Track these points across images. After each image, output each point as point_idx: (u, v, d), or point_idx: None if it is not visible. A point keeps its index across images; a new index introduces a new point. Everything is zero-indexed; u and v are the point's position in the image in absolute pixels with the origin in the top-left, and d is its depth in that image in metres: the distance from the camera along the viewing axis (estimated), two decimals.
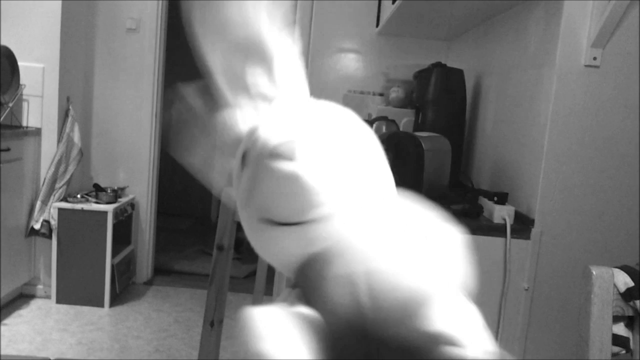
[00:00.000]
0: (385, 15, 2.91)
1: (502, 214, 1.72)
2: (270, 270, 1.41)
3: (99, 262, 3.34)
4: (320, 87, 2.97)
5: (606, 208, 1.70)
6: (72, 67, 3.56)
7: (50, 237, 3.32)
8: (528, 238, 1.70)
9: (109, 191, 3.53)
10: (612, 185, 1.69)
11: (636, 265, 1.05)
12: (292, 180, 0.58)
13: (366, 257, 0.55)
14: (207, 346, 1.29)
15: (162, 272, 4.14)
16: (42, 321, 3.11)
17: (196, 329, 3.15)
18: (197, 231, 5.59)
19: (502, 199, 1.80)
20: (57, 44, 3.36)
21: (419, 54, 3.21)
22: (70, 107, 3.47)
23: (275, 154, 0.61)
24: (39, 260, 3.45)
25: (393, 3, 2.60)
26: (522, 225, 1.73)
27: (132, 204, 3.76)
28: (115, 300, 3.47)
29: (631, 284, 0.99)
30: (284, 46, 0.72)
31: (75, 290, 3.35)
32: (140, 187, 3.86)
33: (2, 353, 2.71)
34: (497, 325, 1.69)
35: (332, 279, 0.55)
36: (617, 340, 0.99)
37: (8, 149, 3.00)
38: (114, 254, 3.39)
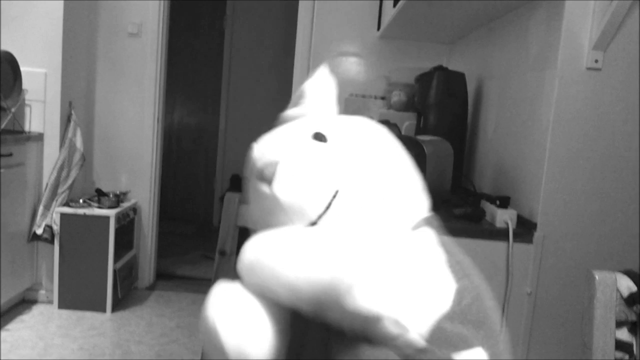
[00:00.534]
0: (386, 18, 2.91)
1: (504, 217, 1.71)
2: None
3: (101, 267, 3.33)
4: None
5: (609, 212, 1.69)
6: (74, 72, 3.57)
7: (52, 242, 3.32)
8: (530, 242, 1.69)
9: (111, 196, 3.53)
10: (615, 189, 1.69)
11: (639, 269, 1.05)
12: (271, 200, 0.63)
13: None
14: None
15: (165, 276, 4.14)
16: (44, 326, 3.11)
17: (198, 334, 3.14)
18: (199, 236, 5.58)
19: (504, 202, 1.80)
20: (59, 49, 3.37)
21: (420, 57, 3.21)
22: (73, 112, 3.48)
23: (259, 177, 0.66)
24: (41, 266, 3.45)
25: (394, 6, 2.60)
26: (525, 229, 1.72)
27: (134, 209, 3.76)
28: (118, 305, 3.46)
29: (634, 288, 0.98)
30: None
31: (78, 295, 3.35)
32: (143, 192, 3.86)
33: (4, 359, 2.71)
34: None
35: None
36: (620, 345, 0.98)
37: (10, 154, 3.00)
38: (116, 259, 3.39)
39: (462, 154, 2.40)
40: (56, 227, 3.29)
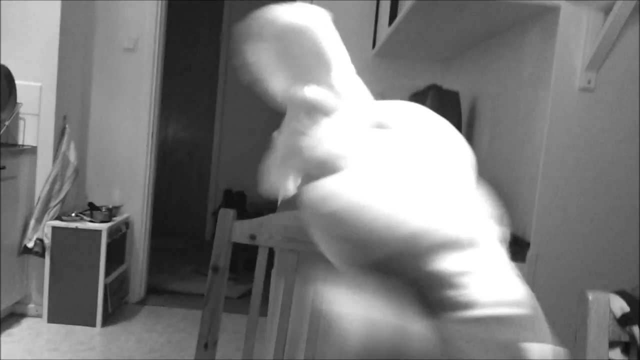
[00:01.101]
0: (381, 37, 2.93)
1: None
2: (266, 291, 1.40)
3: (91, 281, 3.31)
4: None
5: (603, 231, 1.70)
6: (69, 86, 3.57)
7: (43, 255, 3.30)
8: (523, 261, 1.69)
9: (103, 210, 3.52)
10: (609, 208, 1.70)
11: (633, 289, 1.05)
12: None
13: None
14: None
15: (156, 291, 4.11)
16: (32, 340, 3.08)
17: (189, 350, 3.12)
18: (191, 251, 5.56)
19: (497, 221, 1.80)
20: (54, 63, 3.37)
21: (414, 76, 3.23)
22: (67, 126, 3.47)
23: (321, 171, 0.63)
24: (31, 279, 3.43)
25: (389, 25, 2.62)
26: (518, 247, 1.72)
27: (126, 223, 3.74)
28: (108, 320, 3.44)
29: (627, 309, 0.98)
30: (342, 56, 0.72)
31: (67, 309, 3.32)
32: (135, 206, 3.85)
33: None
34: None
35: None
36: None
37: (3, 167, 2.99)
38: (107, 273, 3.37)
39: None
40: (47, 241, 3.27)
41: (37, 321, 3.36)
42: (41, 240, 3.28)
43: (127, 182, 3.84)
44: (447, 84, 2.91)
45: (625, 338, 1.01)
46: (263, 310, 1.33)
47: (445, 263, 0.58)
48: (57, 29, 3.36)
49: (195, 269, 4.76)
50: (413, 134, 0.66)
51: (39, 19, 3.34)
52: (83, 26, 3.71)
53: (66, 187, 3.43)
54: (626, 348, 1.01)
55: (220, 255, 1.28)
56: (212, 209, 6.03)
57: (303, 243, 1.27)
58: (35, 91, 3.36)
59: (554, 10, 1.71)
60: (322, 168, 0.64)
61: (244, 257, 4.61)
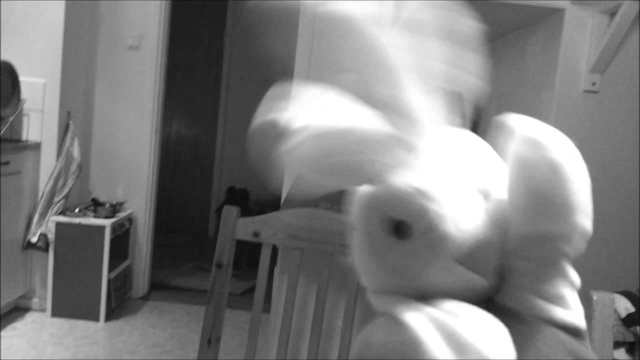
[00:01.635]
0: None
1: None
2: (269, 288, 1.41)
3: (95, 276, 3.33)
4: None
5: (607, 233, 1.70)
6: (73, 83, 3.58)
7: (47, 250, 3.31)
8: None
9: (107, 206, 3.53)
10: (613, 209, 1.70)
11: (637, 290, 1.06)
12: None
13: None
14: None
15: (159, 287, 4.13)
16: (36, 334, 3.09)
17: (192, 345, 3.13)
18: (194, 247, 5.58)
19: None
20: (58, 59, 3.38)
21: None
22: (71, 122, 3.49)
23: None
24: (35, 274, 3.44)
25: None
26: None
27: (129, 219, 3.76)
28: (111, 315, 3.45)
29: (632, 309, 0.99)
30: (415, 82, 0.58)
31: (71, 304, 3.34)
32: (139, 202, 3.86)
33: None
34: None
35: None
36: None
37: (7, 163, 3.01)
38: (110, 269, 3.38)
39: None
40: (51, 236, 3.28)
41: (40, 315, 3.37)
42: (45, 235, 3.30)
43: (131, 178, 3.85)
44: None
45: (630, 338, 1.01)
46: (266, 307, 1.34)
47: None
48: (61, 26, 3.37)
49: (198, 265, 4.78)
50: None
51: (43, 16, 3.35)
52: (87, 23, 3.72)
53: (70, 182, 3.44)
54: (631, 348, 1.02)
55: (224, 252, 1.29)
56: (215, 206, 6.04)
57: (306, 240, 1.28)
58: (39, 87, 3.37)
59: (559, 13, 1.71)
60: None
61: (247, 254, 4.62)
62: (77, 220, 3.32)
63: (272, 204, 4.82)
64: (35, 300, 3.45)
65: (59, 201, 3.38)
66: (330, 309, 1.45)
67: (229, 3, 5.94)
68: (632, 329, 0.99)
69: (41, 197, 3.34)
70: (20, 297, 3.40)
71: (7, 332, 3.09)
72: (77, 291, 3.33)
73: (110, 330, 3.27)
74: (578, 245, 0.56)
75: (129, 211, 3.77)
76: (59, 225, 3.30)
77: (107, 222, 3.34)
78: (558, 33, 1.70)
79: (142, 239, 3.90)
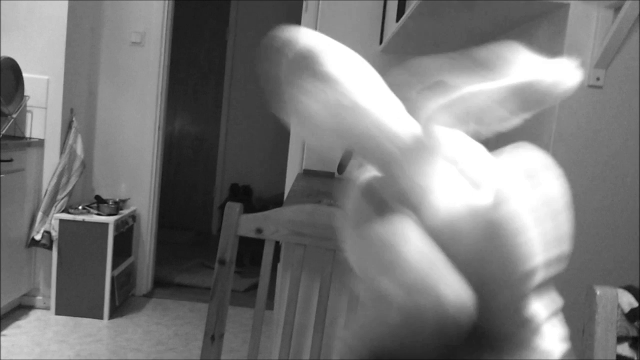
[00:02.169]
0: (388, 33, 2.93)
1: None
2: (272, 284, 1.41)
3: (99, 273, 3.33)
4: None
5: (610, 227, 1.70)
6: (76, 80, 3.58)
7: (50, 248, 3.32)
8: None
9: (110, 203, 3.54)
10: (616, 205, 1.69)
11: None
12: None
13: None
14: None
15: (162, 284, 4.13)
16: (40, 332, 3.10)
17: (195, 342, 3.13)
18: (198, 244, 5.58)
19: None
20: (62, 56, 3.38)
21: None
22: (74, 119, 3.49)
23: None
24: (39, 271, 3.45)
25: (397, 21, 2.61)
26: None
27: (133, 216, 3.76)
28: (115, 313, 3.46)
29: (635, 304, 0.98)
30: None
31: (75, 301, 3.34)
32: (142, 199, 3.87)
33: None
34: None
35: None
36: None
37: (11, 160, 3.01)
38: (114, 266, 3.39)
39: None
40: (55, 233, 3.29)
41: (44, 313, 3.38)
42: (48, 233, 3.30)
43: (134, 175, 3.85)
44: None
45: (633, 333, 1.01)
46: (269, 304, 1.33)
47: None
48: (65, 22, 3.37)
49: (201, 262, 4.78)
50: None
51: (47, 12, 3.35)
52: (90, 20, 3.72)
53: (73, 180, 3.45)
54: (634, 343, 1.01)
55: (227, 249, 1.28)
56: (219, 203, 6.05)
57: (309, 237, 1.28)
58: (43, 84, 3.37)
59: (564, 8, 1.70)
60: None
61: (250, 251, 4.62)
62: (80, 217, 3.33)
63: (275, 200, 4.83)
64: (39, 298, 3.46)
65: (62, 198, 3.39)
66: (333, 305, 1.45)
67: None
68: (635, 323, 0.99)
69: (45, 195, 3.34)
70: (24, 294, 3.41)
71: (12, 330, 3.10)
72: (80, 289, 3.34)
73: (114, 327, 3.27)
74: (547, 275, 0.54)
75: (132, 208, 3.77)
76: (62, 222, 3.31)
77: (110, 219, 3.34)
78: (562, 28, 1.70)
79: (145, 236, 3.91)
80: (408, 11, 2.29)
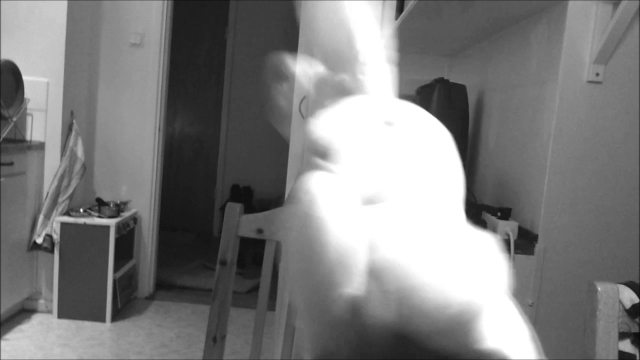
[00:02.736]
0: (388, 31, 2.92)
1: (505, 229, 1.71)
2: (274, 285, 1.40)
3: (100, 276, 3.33)
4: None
5: (611, 223, 1.69)
6: (76, 82, 3.58)
7: (52, 251, 3.32)
8: (532, 254, 1.69)
9: (111, 205, 3.53)
10: (617, 200, 1.69)
11: None
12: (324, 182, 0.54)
13: (411, 270, 0.46)
14: None
15: (164, 286, 4.13)
16: (43, 336, 3.10)
17: (198, 344, 3.13)
18: (199, 246, 5.58)
19: (505, 214, 1.80)
20: (61, 58, 3.38)
21: (421, 70, 3.22)
22: (74, 122, 3.49)
23: (313, 150, 0.59)
24: (41, 275, 3.45)
25: (396, 19, 2.61)
26: (526, 240, 1.72)
27: (134, 218, 3.76)
28: (117, 315, 3.46)
29: (637, 300, 0.98)
30: (371, 44, 0.66)
31: (77, 304, 3.34)
32: (143, 202, 3.87)
33: None
34: None
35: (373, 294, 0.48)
36: (623, 357, 0.98)
37: (11, 163, 3.01)
38: (115, 269, 3.39)
39: (464, 166, 2.39)
40: (56, 237, 3.29)
41: (47, 317, 3.38)
42: (50, 236, 3.30)
43: (135, 177, 3.85)
44: (454, 78, 2.90)
45: (635, 329, 1.00)
46: (271, 305, 1.33)
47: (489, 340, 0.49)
48: (64, 25, 3.37)
49: (203, 264, 4.78)
50: (416, 135, 0.62)
51: (46, 15, 3.35)
52: (89, 22, 3.72)
53: (74, 182, 3.45)
54: (636, 339, 1.01)
55: (228, 249, 1.28)
56: (220, 204, 6.04)
57: None
58: (43, 87, 3.37)
59: (562, 3, 1.70)
60: (315, 152, 0.60)
61: (251, 252, 4.62)
62: (81, 220, 3.33)
63: (276, 201, 4.82)
64: (42, 301, 3.46)
65: (63, 201, 3.39)
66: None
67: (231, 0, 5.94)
68: (637, 319, 0.98)
69: (46, 198, 3.34)
70: (27, 298, 3.41)
71: (14, 334, 3.09)
72: (83, 292, 3.34)
73: (117, 330, 3.27)
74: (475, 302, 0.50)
75: (133, 210, 3.77)
76: (63, 225, 3.30)
77: (111, 222, 3.34)
78: (561, 24, 1.69)
79: (146, 238, 3.91)
80: (406, 9, 2.29)
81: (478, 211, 1.91)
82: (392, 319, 0.47)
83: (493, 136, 2.31)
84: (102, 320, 3.35)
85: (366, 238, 0.49)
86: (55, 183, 3.35)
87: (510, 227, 1.71)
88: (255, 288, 4.11)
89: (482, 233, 0.52)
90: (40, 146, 3.37)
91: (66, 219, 3.33)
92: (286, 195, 2.03)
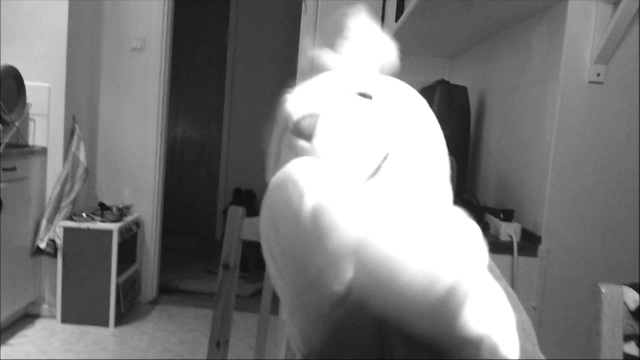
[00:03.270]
0: (388, 33, 2.92)
1: (508, 231, 1.71)
2: None
3: (104, 281, 3.33)
4: None
5: (614, 225, 1.69)
6: (78, 87, 3.59)
7: (55, 256, 3.32)
8: (535, 256, 1.69)
9: (114, 210, 3.54)
10: (620, 201, 1.68)
11: None
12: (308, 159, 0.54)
13: (396, 253, 0.45)
14: None
15: (168, 291, 4.13)
16: (47, 341, 3.10)
17: (202, 349, 3.13)
18: (203, 250, 5.58)
19: (508, 216, 1.79)
20: (63, 63, 3.39)
21: (422, 72, 3.22)
22: (76, 127, 3.49)
23: (295, 131, 0.58)
24: (44, 280, 3.45)
25: (397, 21, 2.61)
26: (529, 242, 1.72)
27: (137, 223, 3.76)
28: (121, 320, 3.45)
29: None
30: (357, 21, 0.64)
31: (81, 310, 3.34)
32: (146, 206, 3.87)
33: None
34: None
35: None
36: (629, 359, 0.98)
37: (14, 169, 3.01)
38: (119, 273, 3.38)
39: (466, 168, 2.40)
40: (59, 242, 3.29)
41: (51, 322, 3.38)
42: (53, 241, 3.30)
43: (137, 181, 3.85)
44: (455, 80, 2.90)
45: None
46: (275, 309, 1.33)
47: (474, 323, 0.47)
48: (65, 30, 3.37)
49: (206, 269, 4.78)
50: (395, 108, 0.61)
51: (47, 21, 3.36)
52: (91, 27, 3.72)
53: (77, 187, 3.45)
54: None
55: (231, 253, 1.28)
56: (222, 208, 6.04)
57: None
58: (45, 92, 3.38)
59: (563, 4, 1.70)
60: (298, 131, 0.58)
61: (254, 256, 4.62)
62: (85, 225, 3.33)
63: None
64: (45, 306, 3.46)
65: (66, 206, 3.39)
66: None
67: (232, 2, 5.94)
68: None
69: (49, 203, 3.34)
70: (30, 304, 3.41)
71: (18, 339, 3.09)
72: (86, 297, 3.34)
73: (120, 335, 3.27)
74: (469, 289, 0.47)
75: (136, 215, 3.77)
76: (67, 230, 3.31)
77: (114, 227, 3.34)
78: (562, 24, 1.69)
79: (150, 242, 3.90)
80: (408, 10, 2.29)
81: (481, 213, 1.91)
82: (378, 305, 0.46)
83: (495, 138, 2.31)
84: (106, 325, 3.34)
85: (356, 223, 0.49)
86: (58, 188, 3.35)
87: (513, 229, 1.71)
88: (259, 292, 4.10)
89: (463, 215, 0.50)
90: (43, 151, 3.38)
91: (69, 224, 3.33)
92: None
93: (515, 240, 1.67)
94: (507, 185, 2.09)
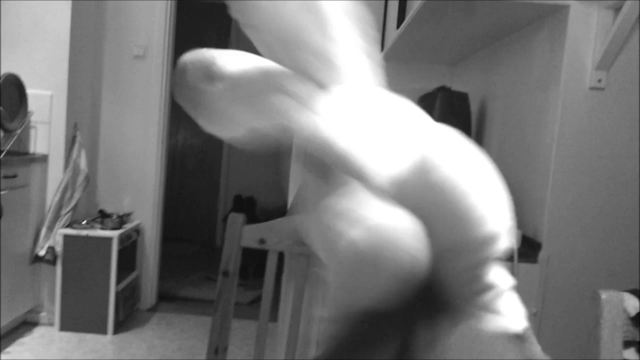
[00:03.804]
0: (389, 40, 2.93)
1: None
2: (276, 297, 1.39)
3: (103, 288, 3.32)
4: None
5: (614, 231, 1.68)
6: (79, 94, 3.59)
7: (54, 263, 3.31)
8: (535, 262, 1.68)
9: (114, 217, 3.53)
10: (620, 207, 1.68)
11: None
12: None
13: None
14: None
15: (167, 298, 4.12)
16: (45, 349, 3.09)
17: (200, 356, 3.11)
18: (202, 257, 5.57)
19: None
20: (65, 71, 3.39)
21: (423, 78, 3.22)
22: (78, 134, 3.49)
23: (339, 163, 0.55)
24: (43, 287, 3.44)
25: (397, 28, 2.61)
26: (529, 249, 1.71)
27: (137, 230, 3.75)
28: (119, 328, 3.44)
29: None
30: (348, 34, 0.61)
31: (79, 317, 3.33)
32: (146, 213, 3.86)
33: None
34: None
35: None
36: None
37: (15, 176, 3.01)
38: (118, 281, 3.37)
39: None
40: (59, 249, 3.28)
41: (49, 329, 3.36)
42: (53, 249, 3.29)
43: (138, 189, 3.85)
44: (456, 86, 2.90)
45: (639, 337, 0.99)
46: (273, 316, 1.32)
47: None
48: (67, 38, 3.38)
49: (206, 276, 4.77)
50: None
51: (49, 28, 3.37)
52: (92, 34, 3.73)
53: (77, 194, 3.45)
54: None
55: (230, 260, 1.27)
56: (223, 215, 6.04)
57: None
58: (46, 99, 3.38)
59: (564, 10, 1.70)
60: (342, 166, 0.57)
61: (254, 263, 4.61)
62: (84, 232, 3.32)
63: (279, 211, 4.81)
64: (44, 314, 3.45)
65: (66, 213, 3.38)
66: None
67: None
68: None
69: (49, 210, 3.34)
70: (29, 311, 3.40)
71: (16, 347, 3.08)
72: (85, 304, 3.32)
73: (119, 343, 3.26)
74: (495, 249, 0.53)
75: (136, 222, 3.77)
76: (66, 237, 3.30)
77: (114, 234, 3.33)
78: (563, 30, 1.69)
79: (149, 249, 3.90)
80: (409, 16, 2.29)
81: None
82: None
83: (496, 144, 2.30)
84: (104, 332, 3.33)
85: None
86: (59, 195, 3.35)
87: (513, 235, 1.70)
88: (258, 299, 4.09)
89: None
90: (44, 158, 3.38)
91: (69, 231, 3.32)
92: (289, 205, 2.01)
93: (516, 247, 1.67)
94: (507, 191, 2.08)
